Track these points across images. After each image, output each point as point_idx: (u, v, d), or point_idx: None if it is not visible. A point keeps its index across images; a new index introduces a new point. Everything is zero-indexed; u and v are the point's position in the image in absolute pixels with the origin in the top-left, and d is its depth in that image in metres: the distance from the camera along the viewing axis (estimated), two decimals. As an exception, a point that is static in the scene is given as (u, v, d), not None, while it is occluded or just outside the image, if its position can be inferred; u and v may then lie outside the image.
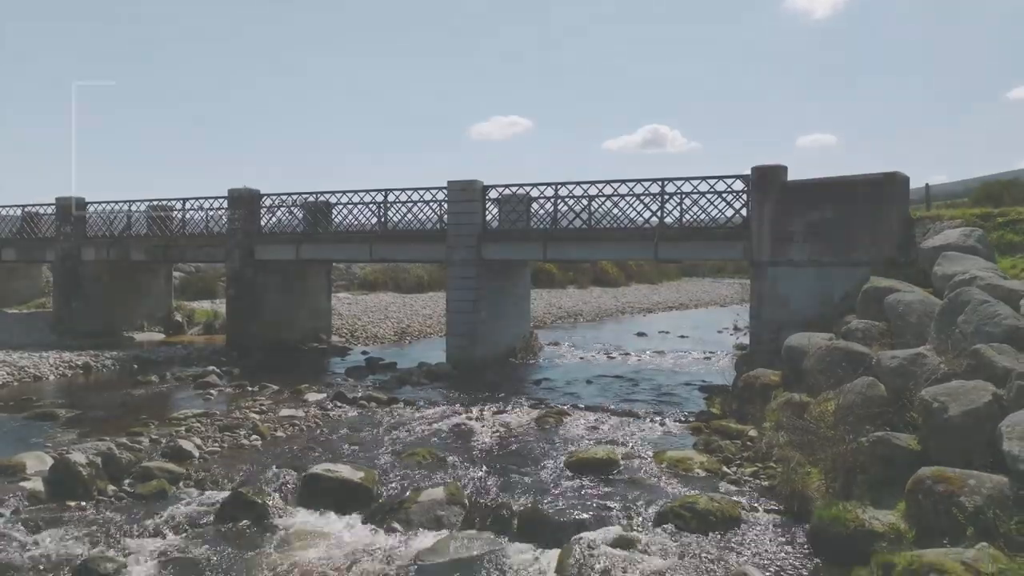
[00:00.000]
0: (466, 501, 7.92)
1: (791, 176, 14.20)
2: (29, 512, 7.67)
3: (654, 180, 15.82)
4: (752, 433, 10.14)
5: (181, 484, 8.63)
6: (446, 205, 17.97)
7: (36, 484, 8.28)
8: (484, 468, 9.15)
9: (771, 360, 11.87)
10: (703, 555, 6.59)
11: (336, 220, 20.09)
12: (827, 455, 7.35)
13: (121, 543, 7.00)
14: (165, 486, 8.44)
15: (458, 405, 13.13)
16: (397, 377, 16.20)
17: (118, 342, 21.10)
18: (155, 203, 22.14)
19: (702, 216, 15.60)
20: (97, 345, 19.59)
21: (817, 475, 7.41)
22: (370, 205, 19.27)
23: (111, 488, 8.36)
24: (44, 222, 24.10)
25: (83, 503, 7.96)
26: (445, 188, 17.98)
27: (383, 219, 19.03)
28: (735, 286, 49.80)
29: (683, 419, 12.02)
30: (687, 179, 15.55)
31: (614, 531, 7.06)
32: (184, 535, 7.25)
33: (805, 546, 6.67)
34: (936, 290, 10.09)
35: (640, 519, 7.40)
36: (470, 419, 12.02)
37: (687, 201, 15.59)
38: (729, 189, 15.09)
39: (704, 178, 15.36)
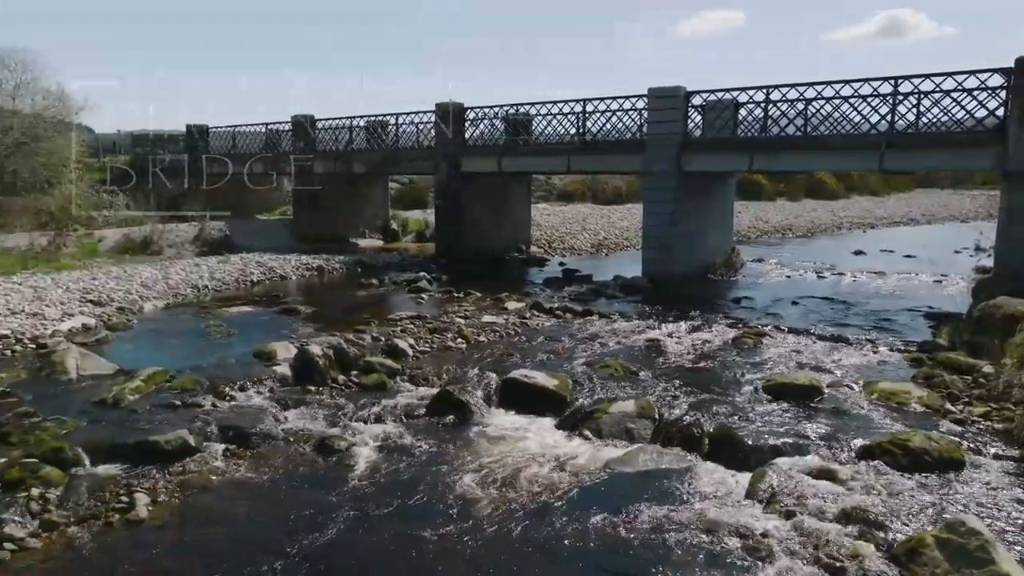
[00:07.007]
0: (656, 416, 8.01)
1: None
2: (280, 392, 9.06)
3: (885, 79, 13.97)
4: (987, 369, 9.03)
5: (397, 378, 9.64)
6: (646, 114, 17.34)
7: (284, 369, 9.71)
8: (676, 385, 9.14)
9: (1018, 288, 10.33)
10: (914, 497, 6.12)
11: (536, 132, 20.30)
12: (1082, 402, 6.38)
13: (350, 425, 8.06)
14: (384, 379, 9.49)
15: (652, 320, 13.09)
16: (592, 289, 16.47)
17: (344, 247, 23.49)
18: (373, 119, 23.86)
19: (944, 119, 13.57)
20: (328, 250, 21.98)
21: (1066, 423, 6.48)
22: (568, 116, 19.18)
23: (341, 377, 9.58)
24: (283, 138, 27.05)
25: (320, 388, 9.22)
26: (645, 96, 17.32)
27: (581, 130, 18.87)
28: (980, 199, 43.15)
29: (901, 348, 10.96)
30: (927, 76, 13.54)
31: (812, 460, 6.78)
32: (400, 424, 8.17)
33: (1042, 500, 5.95)
34: None
35: (842, 451, 7.00)
36: (663, 335, 11.97)
37: (926, 102, 13.62)
38: (982, 86, 12.90)
39: (949, 74, 13.28)
